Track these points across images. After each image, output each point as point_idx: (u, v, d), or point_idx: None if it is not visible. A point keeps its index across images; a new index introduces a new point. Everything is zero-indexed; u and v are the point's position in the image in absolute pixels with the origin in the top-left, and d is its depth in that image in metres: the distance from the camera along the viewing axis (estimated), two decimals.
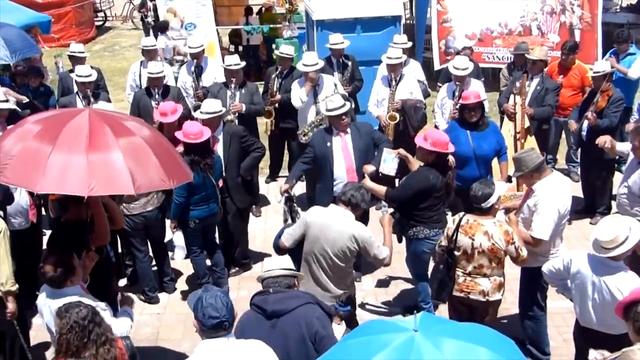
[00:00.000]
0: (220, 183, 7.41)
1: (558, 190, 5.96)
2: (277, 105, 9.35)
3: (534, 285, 6.20)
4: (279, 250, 5.90)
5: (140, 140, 4.83)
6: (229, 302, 4.13)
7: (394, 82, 8.89)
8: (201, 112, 7.54)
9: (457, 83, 8.71)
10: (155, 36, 12.66)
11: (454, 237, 5.76)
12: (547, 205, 5.82)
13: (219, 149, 7.52)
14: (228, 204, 7.65)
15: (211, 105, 7.58)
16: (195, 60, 10.02)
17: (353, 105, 9.03)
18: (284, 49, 9.66)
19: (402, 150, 7.04)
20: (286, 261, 4.87)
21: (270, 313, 4.54)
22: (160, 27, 13.38)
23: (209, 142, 7.17)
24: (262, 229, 8.93)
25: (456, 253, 5.81)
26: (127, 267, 7.82)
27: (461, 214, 5.86)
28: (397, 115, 8.81)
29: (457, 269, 5.85)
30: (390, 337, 2.99)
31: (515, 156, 6.09)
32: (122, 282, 7.71)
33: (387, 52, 8.99)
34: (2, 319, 5.72)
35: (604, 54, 11.60)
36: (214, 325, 4.03)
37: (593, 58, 11.84)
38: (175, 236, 7.31)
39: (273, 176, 10.34)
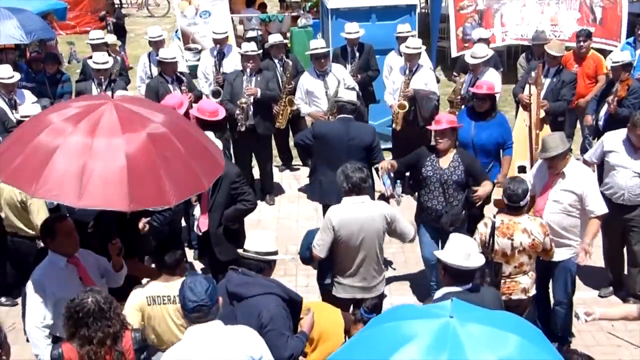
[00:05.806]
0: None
1: (585, 168, 6.20)
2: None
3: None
4: (309, 262, 5.83)
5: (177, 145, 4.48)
6: (210, 287, 3.97)
7: (409, 72, 8.82)
8: None
9: (472, 71, 8.62)
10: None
11: (491, 242, 5.57)
12: (590, 182, 6.01)
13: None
14: (210, 256, 6.65)
15: None
16: (218, 46, 10.03)
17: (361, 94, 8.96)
18: (272, 38, 9.75)
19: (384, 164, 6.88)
20: (267, 243, 4.70)
21: (230, 294, 4.46)
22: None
23: (224, 119, 7.14)
24: (275, 217, 8.95)
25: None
26: None
27: (490, 216, 5.70)
28: (407, 104, 8.73)
29: None
30: (425, 323, 2.99)
31: (547, 137, 6.09)
32: None
33: (407, 42, 8.93)
34: None
35: (629, 34, 11.41)
36: (191, 309, 3.93)
37: (616, 35, 11.69)
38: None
39: (286, 164, 10.35)
